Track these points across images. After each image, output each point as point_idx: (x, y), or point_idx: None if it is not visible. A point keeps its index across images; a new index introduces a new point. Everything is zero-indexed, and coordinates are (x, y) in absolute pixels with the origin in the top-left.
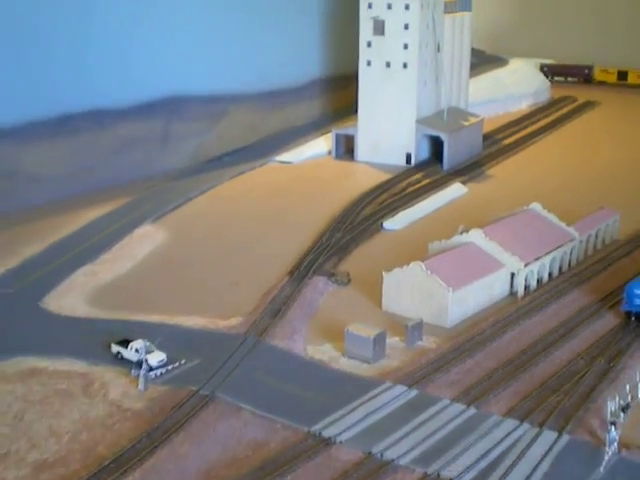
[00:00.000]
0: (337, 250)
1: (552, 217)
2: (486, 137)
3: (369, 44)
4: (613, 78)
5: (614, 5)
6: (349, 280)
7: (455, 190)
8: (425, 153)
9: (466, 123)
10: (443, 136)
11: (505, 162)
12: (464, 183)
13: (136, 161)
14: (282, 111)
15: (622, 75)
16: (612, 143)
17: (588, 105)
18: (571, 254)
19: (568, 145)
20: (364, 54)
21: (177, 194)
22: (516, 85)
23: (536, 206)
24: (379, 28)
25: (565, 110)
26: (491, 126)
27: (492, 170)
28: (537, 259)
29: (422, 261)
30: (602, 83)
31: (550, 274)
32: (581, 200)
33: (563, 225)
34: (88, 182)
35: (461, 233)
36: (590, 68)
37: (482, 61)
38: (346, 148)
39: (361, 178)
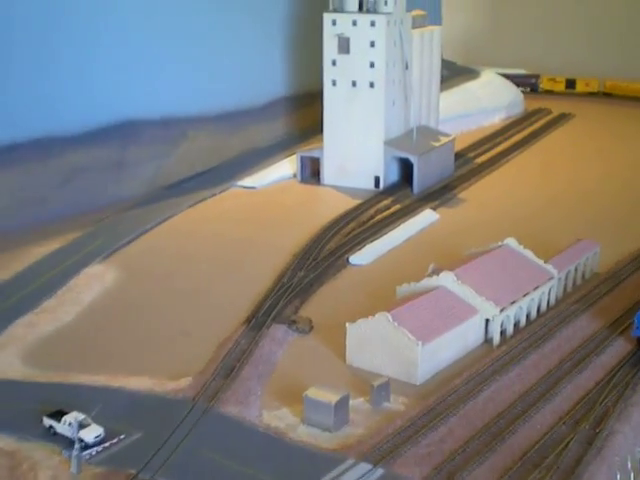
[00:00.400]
0: (299, 291)
1: (528, 253)
2: (458, 156)
3: (334, 63)
4: (561, 87)
5: (565, 14)
6: (311, 328)
7: (426, 217)
8: (395, 176)
9: (436, 143)
10: (413, 158)
11: (478, 184)
12: (435, 209)
13: (89, 190)
14: (244, 132)
15: (570, 83)
16: (589, 159)
17: (563, 118)
18: (549, 294)
19: (542, 163)
20: (329, 73)
21: (131, 226)
22: (489, 98)
23: (511, 242)
24: (344, 46)
25: (539, 124)
26: (463, 143)
27: (464, 193)
28: (513, 302)
29: (388, 311)
30: (549, 92)
31: (528, 316)
32: (558, 226)
33: (540, 262)
34: (35, 214)
35: (431, 274)
36: (537, 77)
37: (453, 73)
38: (312, 171)
39: (327, 204)
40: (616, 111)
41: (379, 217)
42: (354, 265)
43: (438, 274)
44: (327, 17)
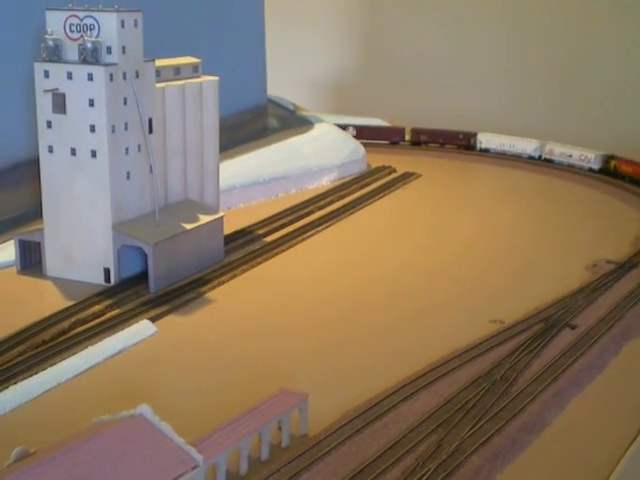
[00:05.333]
0: None
1: (166, 428)
2: (242, 234)
3: (49, 124)
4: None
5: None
6: None
7: (133, 334)
8: (137, 266)
9: (190, 225)
10: (147, 248)
11: (249, 273)
12: (164, 315)
13: None
14: None
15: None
16: (402, 239)
17: (406, 178)
18: None
19: (353, 240)
20: (44, 137)
21: None
22: (317, 156)
23: (145, 411)
24: (59, 104)
25: (373, 187)
26: (263, 214)
27: (223, 289)
28: None
29: None
30: (416, 144)
31: None
32: (338, 350)
33: (181, 443)
34: None
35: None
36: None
37: (286, 125)
38: (38, 257)
39: (34, 308)
40: (471, 168)
41: (79, 329)
42: None
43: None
44: (38, 67)
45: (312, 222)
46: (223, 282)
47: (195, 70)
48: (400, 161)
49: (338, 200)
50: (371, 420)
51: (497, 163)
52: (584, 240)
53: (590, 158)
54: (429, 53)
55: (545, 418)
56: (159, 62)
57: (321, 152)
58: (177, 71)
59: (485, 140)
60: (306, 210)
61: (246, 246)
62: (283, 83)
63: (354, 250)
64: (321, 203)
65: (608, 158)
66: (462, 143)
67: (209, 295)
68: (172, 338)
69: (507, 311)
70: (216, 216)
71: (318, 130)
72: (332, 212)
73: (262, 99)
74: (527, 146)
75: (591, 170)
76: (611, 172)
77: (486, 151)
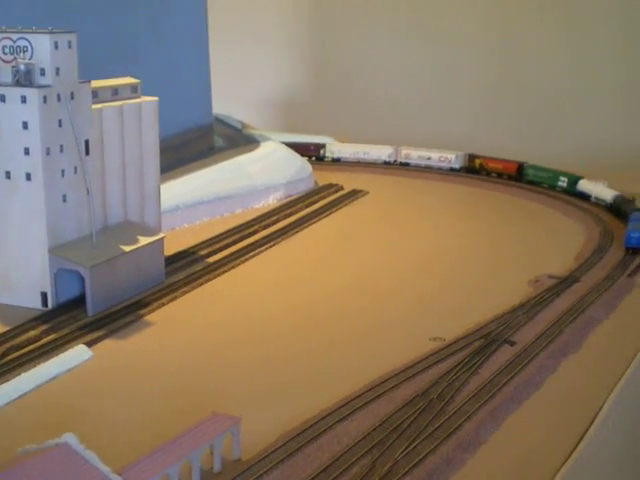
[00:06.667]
0: None
1: (91, 456)
2: (184, 255)
3: None
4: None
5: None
6: None
7: (68, 360)
8: (75, 289)
9: (129, 247)
10: (83, 271)
11: (188, 295)
12: (100, 339)
13: None
14: None
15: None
16: (354, 259)
17: (353, 195)
18: None
19: (289, 262)
20: None
21: None
22: (262, 175)
23: (71, 439)
24: None
25: (320, 204)
26: (207, 234)
27: (163, 311)
28: None
29: None
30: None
31: None
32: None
33: (106, 471)
34: None
35: None
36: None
37: (233, 144)
38: None
39: None
40: (420, 185)
41: (13, 355)
42: None
43: None
44: None
45: (256, 241)
46: (163, 304)
47: (134, 90)
48: (348, 178)
49: (284, 219)
50: (305, 442)
51: (444, 179)
52: (528, 255)
53: (451, 159)
54: (377, 70)
55: (480, 436)
56: (97, 83)
57: (267, 170)
58: (115, 92)
59: (337, 150)
60: (251, 229)
61: (188, 267)
62: (234, 102)
63: (297, 269)
64: (266, 222)
65: (472, 157)
66: (313, 154)
67: (148, 318)
68: (108, 363)
69: (448, 328)
70: (156, 237)
71: (264, 149)
72: (277, 231)
73: (207, 118)
74: (382, 152)
75: (452, 170)
76: (476, 170)
77: (338, 160)
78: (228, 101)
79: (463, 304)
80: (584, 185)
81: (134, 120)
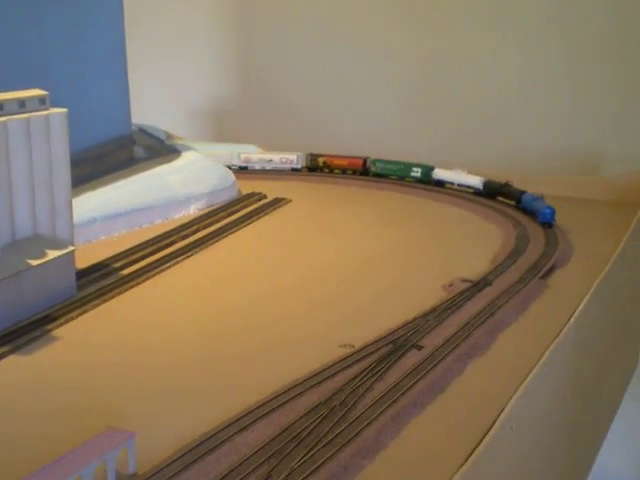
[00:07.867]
0: None
1: None
2: (97, 268)
3: None
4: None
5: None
6: None
7: None
8: None
9: (35, 262)
10: None
11: (99, 309)
12: (5, 356)
13: None
14: None
15: None
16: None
17: (275, 203)
18: None
19: (205, 273)
20: None
21: None
22: (183, 185)
23: None
24: None
25: (241, 214)
26: (124, 245)
27: (71, 325)
28: None
29: None
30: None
31: None
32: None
33: None
34: None
35: None
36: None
37: (154, 154)
38: None
39: None
40: (344, 192)
41: None
42: None
43: None
44: None
45: (174, 252)
46: (72, 318)
47: (42, 102)
48: (273, 187)
49: (203, 229)
50: (202, 454)
51: (371, 186)
52: (444, 259)
53: (293, 159)
54: (307, 77)
55: (380, 442)
56: (2, 96)
57: (188, 181)
58: (22, 104)
59: (243, 159)
60: (168, 240)
61: (101, 280)
62: (161, 111)
63: (212, 279)
64: (185, 232)
65: (314, 157)
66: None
67: (56, 333)
68: (11, 379)
69: (359, 334)
70: (65, 250)
71: (185, 159)
72: (195, 241)
73: (126, 129)
74: (278, 158)
75: (294, 170)
76: (320, 168)
77: (245, 169)
78: (155, 111)
79: (375, 310)
80: (440, 173)
81: (42, 133)
